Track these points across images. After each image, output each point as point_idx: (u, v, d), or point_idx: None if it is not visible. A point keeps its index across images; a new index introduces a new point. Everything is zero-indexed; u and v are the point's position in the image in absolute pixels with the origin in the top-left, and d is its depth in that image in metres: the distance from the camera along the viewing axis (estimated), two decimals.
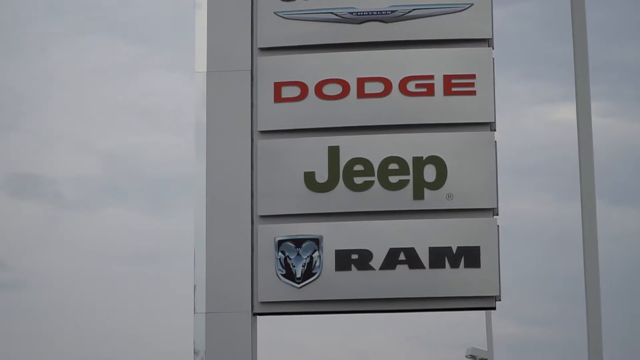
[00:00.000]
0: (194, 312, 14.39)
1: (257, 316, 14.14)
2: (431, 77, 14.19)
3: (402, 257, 13.47)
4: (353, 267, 13.76)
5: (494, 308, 14.90)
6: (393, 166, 13.75)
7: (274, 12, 14.17)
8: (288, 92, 14.43)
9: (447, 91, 14.10)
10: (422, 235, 13.77)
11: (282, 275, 13.39)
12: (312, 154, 13.77)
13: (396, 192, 13.64)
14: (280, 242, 13.69)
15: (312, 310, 14.71)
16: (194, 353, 14.34)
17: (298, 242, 13.34)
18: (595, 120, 11.67)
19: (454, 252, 13.69)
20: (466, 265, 13.81)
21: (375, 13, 14.12)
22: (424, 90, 14.12)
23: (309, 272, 13.35)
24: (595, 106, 11.72)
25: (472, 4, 14.05)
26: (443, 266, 13.81)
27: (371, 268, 13.88)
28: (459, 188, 13.91)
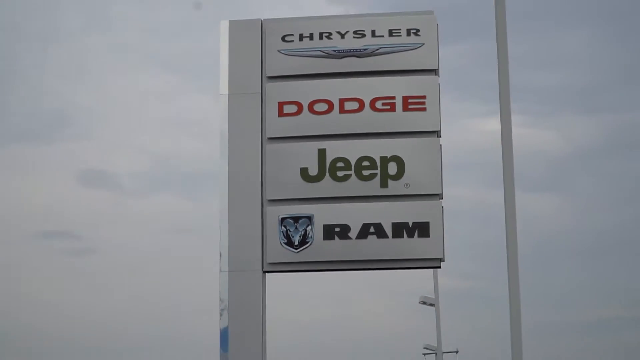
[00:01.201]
0: (220, 271, 15.33)
1: (266, 273, 15.17)
2: (393, 97, 15.17)
3: (372, 229, 14.48)
4: (336, 237, 14.69)
5: (439, 267, 15.98)
6: (365, 163, 14.76)
7: (278, 50, 15.19)
8: (288, 109, 15.38)
9: (405, 108, 15.04)
10: (387, 213, 14.77)
11: (284, 243, 14.44)
12: (306, 155, 14.78)
13: (367, 182, 14.65)
14: (282, 219, 14.74)
15: (307, 269, 15.71)
16: (220, 301, 15.21)
17: (296, 219, 14.41)
18: (514, 129, 12.68)
19: (410, 226, 14.65)
20: (419, 236, 14.77)
21: (352, 51, 15.07)
22: (388, 107, 15.11)
23: (304, 241, 14.40)
24: (513, 119, 12.71)
25: (423, 44, 15.05)
26: (402, 236, 14.76)
27: (349, 238, 14.82)
28: (413, 179, 14.88)
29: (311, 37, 15.03)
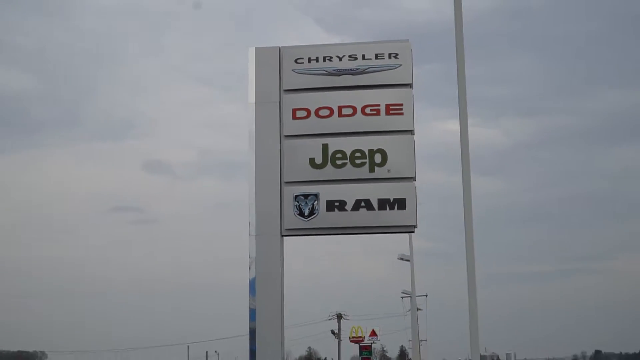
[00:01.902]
0: (249, 235, 15.95)
1: (284, 237, 15.84)
2: (378, 105, 15.85)
3: (362, 204, 15.34)
4: (336, 209, 15.56)
5: (413, 232, 16.96)
6: (357, 154, 15.71)
7: (292, 70, 16.29)
8: (299, 114, 16.07)
9: (387, 113, 15.81)
10: (373, 192, 15.63)
11: (297, 214, 15.46)
12: (313, 148, 15.88)
13: (359, 168, 15.64)
14: (296, 196, 15.59)
15: (314, 234, 16.45)
16: (249, 257, 15.90)
17: (305, 196, 15.25)
18: (469, 129, 12.69)
19: (391, 201, 15.49)
20: (398, 208, 15.51)
21: (347, 70, 16.10)
22: (375, 112, 15.86)
23: (312, 212, 15.14)
24: (469, 121, 12.70)
25: (401, 65, 16.02)
26: (385, 209, 15.54)
27: (345, 210, 15.56)
28: (394, 166, 15.63)
29: (317, 60, 16.04)
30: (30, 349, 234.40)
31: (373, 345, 74.91)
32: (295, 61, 15.93)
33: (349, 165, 15.46)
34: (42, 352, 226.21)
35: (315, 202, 15.41)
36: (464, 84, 12.81)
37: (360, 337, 71.05)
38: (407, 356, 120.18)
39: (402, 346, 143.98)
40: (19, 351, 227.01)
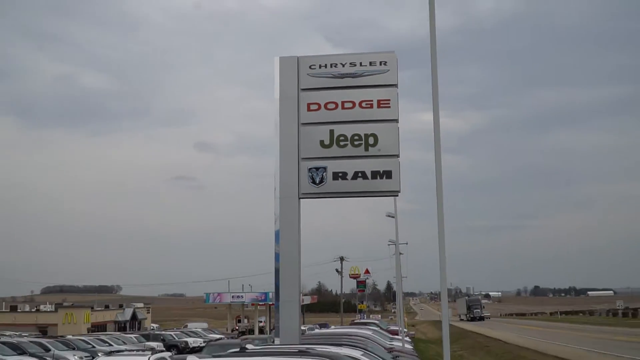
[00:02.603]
0: (274, 197, 15.94)
1: (300, 199, 15.81)
2: (372, 100, 15.85)
3: (359, 175, 15.60)
4: (339, 179, 15.80)
5: (397, 195, 16.87)
6: (356, 137, 15.95)
7: (307, 74, 16.42)
8: (312, 107, 16.07)
9: (379, 106, 15.90)
10: (368, 165, 15.85)
11: (310, 182, 15.66)
12: (322, 132, 15.94)
13: (357, 148, 15.78)
14: (309, 169, 15.71)
15: (322, 197, 16.36)
16: (274, 214, 15.92)
17: (317, 168, 15.36)
18: (441, 119, 12.51)
19: (381, 172, 15.73)
20: (386, 178, 15.69)
21: (349, 74, 16.23)
22: (369, 106, 16.05)
23: (321, 181, 15.30)
24: (440, 113, 12.53)
25: (389, 70, 16.16)
26: (377, 178, 15.79)
27: (347, 179, 15.59)
28: (383, 146, 15.67)
29: (325, 66, 16.07)
30: (109, 284, 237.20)
31: (367, 280, 75.20)
32: (309, 67, 15.91)
33: (349, 145, 15.44)
34: (118, 286, 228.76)
35: (324, 173, 15.38)
36: (436, 85, 12.59)
37: (357, 274, 71.29)
38: (392, 289, 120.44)
39: (388, 281, 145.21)
40: (100, 285, 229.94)
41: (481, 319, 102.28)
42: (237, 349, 14.65)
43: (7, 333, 44.36)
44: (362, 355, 13.48)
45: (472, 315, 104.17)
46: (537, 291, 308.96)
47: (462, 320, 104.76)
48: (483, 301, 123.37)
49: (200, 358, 12.29)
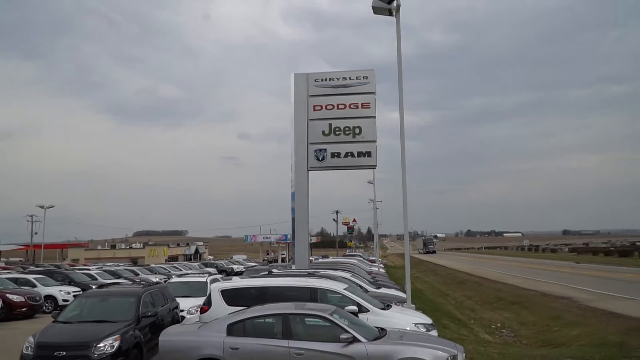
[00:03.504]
0: (290, 170, 15.91)
1: (309, 171, 15.86)
2: (357, 102, 15.99)
3: (349, 154, 15.44)
4: (335, 157, 15.59)
5: (374, 168, 16.19)
6: (347, 128, 15.88)
7: (313, 85, 16.22)
8: (317, 108, 16.05)
9: (362, 107, 15.94)
10: (354, 148, 15.67)
11: (316, 159, 15.46)
12: (323, 125, 15.81)
13: (347, 136, 15.62)
14: (315, 150, 15.76)
15: (324, 169, 16.11)
16: (291, 181, 16.04)
17: (320, 150, 15.22)
18: (405, 117, 12.35)
19: (364, 152, 15.49)
20: (367, 157, 15.72)
21: (341, 85, 16.09)
22: (356, 107, 16.10)
23: (323, 158, 15.19)
24: (405, 112, 12.37)
25: (369, 82, 15.92)
26: (361, 157, 15.74)
27: (340, 157, 15.74)
28: (365, 135, 15.86)
29: (326, 79, 15.93)
30: (179, 229, 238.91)
31: (354, 226, 75.44)
32: (315, 80, 15.76)
33: (342, 134, 15.29)
34: (185, 230, 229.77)
35: (325, 153, 15.30)
36: (401, 93, 12.50)
37: (347, 222, 71.40)
38: (371, 232, 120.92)
39: (368, 227, 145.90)
40: (173, 230, 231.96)
41: (433, 252, 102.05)
42: (267, 272, 14.92)
43: (109, 264, 44.87)
44: (350, 276, 13.60)
45: (427, 250, 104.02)
46: (469, 233, 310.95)
47: (420, 253, 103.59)
48: (434, 240, 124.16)
49: (241, 279, 12.45)
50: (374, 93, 15.59)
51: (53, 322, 8.23)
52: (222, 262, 49.40)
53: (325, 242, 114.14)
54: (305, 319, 6.96)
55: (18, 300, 16.24)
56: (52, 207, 58.64)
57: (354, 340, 6.45)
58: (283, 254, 70.92)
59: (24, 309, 16.26)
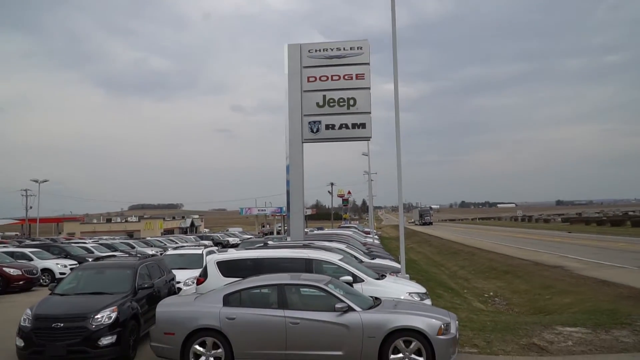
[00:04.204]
0: (285, 141, 15.92)
1: (304, 143, 15.86)
2: (352, 73, 15.99)
3: (344, 126, 15.44)
4: (329, 129, 15.59)
5: (369, 140, 15.99)
6: (341, 100, 15.90)
7: (307, 56, 16.18)
8: (311, 79, 16.13)
9: (357, 78, 15.95)
10: (349, 119, 15.76)
11: (310, 131, 15.37)
12: (317, 97, 15.86)
13: (342, 107, 15.67)
14: (309, 122, 15.67)
15: (318, 141, 16.11)
16: (285, 153, 15.99)
17: (314, 122, 15.16)
18: (399, 88, 12.31)
19: (358, 124, 15.48)
20: (362, 128, 15.76)
21: (336, 56, 16.06)
22: (350, 78, 16.07)
23: (317, 130, 15.23)
24: (399, 83, 12.33)
25: (363, 52, 15.85)
26: (356, 128, 15.66)
27: (335, 129, 15.74)
28: (360, 106, 15.76)
29: (320, 50, 15.85)
30: (174, 202, 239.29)
31: (349, 198, 75.78)
32: (309, 51, 15.62)
33: (336, 106, 15.25)
34: (181, 203, 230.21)
35: (320, 125, 15.25)
36: (396, 64, 12.41)
37: (342, 194, 71.70)
38: (366, 204, 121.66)
39: (363, 199, 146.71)
40: (168, 203, 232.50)
41: (430, 223, 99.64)
42: (262, 244, 15.01)
43: (104, 237, 45.00)
44: (345, 247, 13.71)
45: (423, 221, 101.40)
46: (463, 204, 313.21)
47: (415, 224, 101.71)
48: (430, 211, 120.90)
49: (237, 250, 12.51)
50: (368, 64, 15.44)
51: (50, 294, 8.28)
52: (218, 234, 49.59)
53: (320, 215, 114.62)
54: (301, 289, 7.03)
55: (15, 274, 16.35)
56: (46, 181, 58.44)
57: (349, 309, 6.54)
58: (279, 227, 71.24)
59: (21, 282, 16.38)
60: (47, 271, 18.46)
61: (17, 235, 63.15)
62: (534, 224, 79.03)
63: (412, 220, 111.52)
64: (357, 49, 15.38)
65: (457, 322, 6.85)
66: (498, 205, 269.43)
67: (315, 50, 15.63)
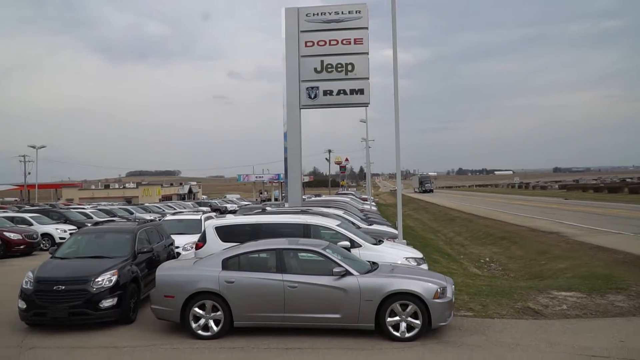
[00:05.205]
0: (282, 107, 15.59)
1: (301, 109, 15.66)
2: (350, 38, 15.50)
3: (341, 92, 15.43)
4: (327, 95, 15.67)
5: (367, 106, 15.81)
6: (339, 65, 15.68)
7: (304, 20, 15.83)
8: (309, 44, 15.53)
9: (355, 43, 15.62)
10: (347, 85, 15.59)
11: (308, 97, 15.36)
12: (315, 62, 15.70)
13: (340, 73, 15.50)
14: (307, 88, 15.50)
15: (317, 107, 15.88)
16: (283, 119, 15.73)
17: (312, 87, 15.12)
18: (399, 55, 12.15)
19: (356, 90, 15.47)
20: (360, 94, 15.57)
21: (334, 20, 15.75)
22: (348, 42, 15.79)
23: (315, 96, 15.13)
24: (398, 52, 12.17)
25: (362, 16, 15.55)
26: (354, 94, 15.59)
27: (333, 95, 15.58)
28: (358, 72, 15.51)
29: (317, 14, 15.51)
30: (172, 169, 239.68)
31: (346, 165, 75.89)
32: (306, 15, 15.29)
33: (334, 71, 15.00)
34: (178, 170, 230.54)
35: (317, 91, 15.06)
36: (395, 30, 12.23)
37: (340, 161, 71.75)
38: (363, 171, 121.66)
39: (361, 166, 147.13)
40: (166, 170, 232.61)
41: (430, 191, 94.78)
42: (260, 210, 15.11)
43: (103, 203, 45.13)
44: (343, 213, 13.82)
45: (423, 189, 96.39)
46: (460, 171, 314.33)
47: (415, 192, 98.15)
48: (431, 179, 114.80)
49: (235, 216, 12.63)
50: (367, 28, 15.14)
51: (51, 257, 8.36)
52: (216, 201, 49.78)
53: (318, 182, 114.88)
54: (299, 254, 7.13)
55: (16, 238, 16.55)
56: (43, 147, 58.16)
57: (347, 273, 6.65)
58: (278, 193, 71.54)
59: (21, 247, 16.61)
60: (47, 236, 18.67)
61: (16, 200, 63.43)
62: (531, 191, 79.38)
63: (413, 189, 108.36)
64: (356, 12, 15.03)
65: (453, 286, 6.98)
66: (495, 172, 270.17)
67: (313, 14, 15.28)
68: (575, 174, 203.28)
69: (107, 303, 7.18)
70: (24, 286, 7.37)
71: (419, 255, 9.60)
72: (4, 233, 16.46)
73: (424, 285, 6.49)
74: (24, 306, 7.20)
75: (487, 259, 17.89)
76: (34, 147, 57.38)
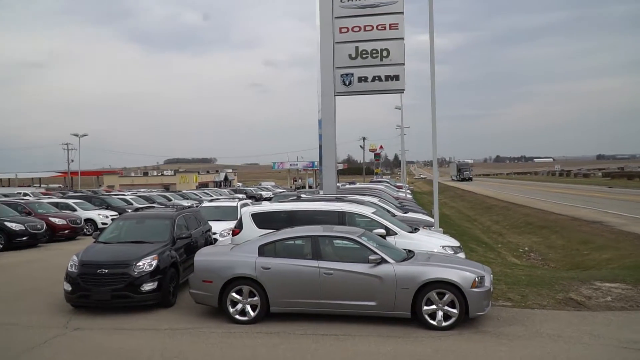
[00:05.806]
0: (317, 95, 15.31)
1: (336, 96, 15.37)
2: (385, 23, 15.11)
3: (376, 78, 15.38)
4: (362, 81, 15.46)
5: (402, 92, 16.03)
6: (374, 51, 15.39)
7: (339, 6, 15.55)
8: (343, 30, 15.27)
9: (390, 28, 15.21)
10: (382, 71, 15.33)
11: (342, 84, 15.17)
12: (350, 48, 15.46)
13: (375, 59, 15.19)
14: (341, 75, 15.39)
15: (351, 94, 15.58)
16: (317, 107, 15.41)
17: (347, 74, 14.95)
18: (436, 40, 12.01)
19: (392, 76, 15.26)
20: (395, 80, 15.33)
21: (369, 5, 15.48)
22: (383, 28, 15.40)
23: (350, 83, 14.95)
24: (436, 38, 12.02)
25: (397, 1, 15.25)
26: (389, 81, 15.32)
27: (368, 81, 15.02)
28: (394, 57, 15.35)
29: (352, 0, 14.23)
30: (208, 156, 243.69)
31: (381, 153, 75.31)
32: (341, 1, 14.97)
33: (369, 57, 14.76)
34: (214, 158, 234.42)
35: (352, 77, 14.86)
36: (432, 15, 11.99)
37: (374, 149, 71.25)
38: (398, 158, 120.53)
39: (395, 153, 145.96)
40: (203, 157, 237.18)
41: (470, 179, 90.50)
42: (295, 197, 15.23)
43: (142, 190, 46.39)
44: (378, 200, 13.78)
45: (462, 177, 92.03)
46: (498, 159, 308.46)
47: (453, 180, 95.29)
48: (470, 167, 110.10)
49: (271, 203, 12.74)
50: (402, 13, 14.75)
51: (94, 242, 8.65)
52: (251, 188, 50.44)
53: (352, 169, 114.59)
54: (334, 241, 7.13)
55: (60, 223, 17.24)
56: (85, 135, 60.03)
57: (382, 261, 6.63)
58: (312, 181, 71.78)
59: (66, 231, 17.29)
60: (89, 221, 19.36)
61: (60, 187, 65.93)
62: (572, 179, 77.23)
63: (451, 177, 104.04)
64: None
65: (491, 275, 6.86)
66: (534, 159, 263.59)
67: (348, 0, 15.06)
68: (620, 161, 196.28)
69: (147, 287, 7.39)
70: (69, 269, 7.66)
71: (456, 243, 9.46)
72: (50, 218, 17.15)
73: (461, 274, 6.42)
74: (69, 288, 7.50)
75: (526, 249, 17.52)
76: (76, 135, 59.29)
